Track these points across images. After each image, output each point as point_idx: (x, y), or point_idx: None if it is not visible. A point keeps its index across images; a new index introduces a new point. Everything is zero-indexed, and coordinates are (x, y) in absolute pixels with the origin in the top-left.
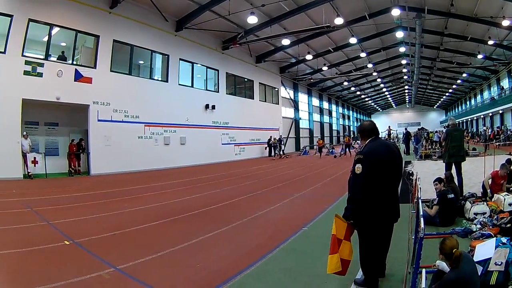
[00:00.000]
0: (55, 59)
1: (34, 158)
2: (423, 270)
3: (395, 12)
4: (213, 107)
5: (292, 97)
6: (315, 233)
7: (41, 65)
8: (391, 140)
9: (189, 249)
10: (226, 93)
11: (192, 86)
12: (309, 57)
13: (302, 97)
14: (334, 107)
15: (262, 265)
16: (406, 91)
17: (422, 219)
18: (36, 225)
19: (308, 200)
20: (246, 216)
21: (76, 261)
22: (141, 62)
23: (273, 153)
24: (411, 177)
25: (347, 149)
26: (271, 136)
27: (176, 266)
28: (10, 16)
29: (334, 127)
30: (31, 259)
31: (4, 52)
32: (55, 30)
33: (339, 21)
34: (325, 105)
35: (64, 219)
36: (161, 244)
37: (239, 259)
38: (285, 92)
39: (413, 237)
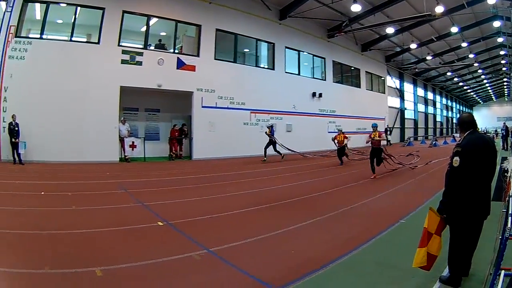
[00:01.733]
0: (153, 48)
1: (133, 142)
2: (502, 272)
3: (491, 0)
4: (320, 95)
5: (398, 87)
6: (412, 226)
7: (140, 54)
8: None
9: (284, 236)
10: (333, 81)
11: (298, 74)
12: (413, 46)
13: (407, 87)
14: (438, 97)
15: (355, 256)
16: (505, 83)
17: (510, 218)
18: (130, 206)
19: (408, 192)
20: (346, 205)
21: (168, 242)
22: (246, 50)
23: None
24: (506, 174)
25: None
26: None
27: (270, 251)
28: (102, 8)
29: (438, 118)
30: (125, 238)
31: (98, 43)
32: (153, 20)
33: (439, 9)
34: (430, 95)
35: (158, 201)
36: (256, 229)
37: (332, 248)
38: (391, 82)
39: (500, 237)
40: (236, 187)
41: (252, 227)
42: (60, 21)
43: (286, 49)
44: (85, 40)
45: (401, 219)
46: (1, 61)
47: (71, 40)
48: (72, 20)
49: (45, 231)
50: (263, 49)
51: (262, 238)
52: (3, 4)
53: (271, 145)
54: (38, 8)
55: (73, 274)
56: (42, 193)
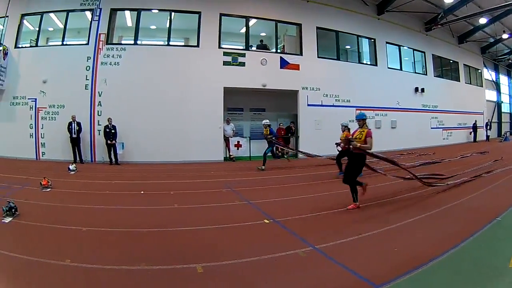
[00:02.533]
0: (255, 48)
1: (238, 142)
2: None
3: None
4: (422, 90)
5: (494, 79)
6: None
7: (243, 55)
8: None
9: (387, 233)
10: (434, 76)
11: (400, 69)
12: (505, 36)
13: (503, 79)
14: None
15: (453, 254)
16: None
17: None
18: (235, 204)
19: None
20: (448, 203)
21: (273, 239)
22: (348, 47)
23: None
24: None
25: None
26: (476, 120)
27: (374, 248)
28: (198, 13)
29: None
30: (229, 235)
31: (198, 46)
32: (252, 21)
33: None
34: None
35: (265, 199)
36: (361, 227)
37: (432, 246)
38: (487, 74)
39: None
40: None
41: (359, 224)
42: (153, 27)
43: (387, 44)
44: (183, 43)
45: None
46: (94, 68)
47: (168, 45)
48: (168, 25)
49: (145, 229)
50: (365, 45)
51: (368, 236)
52: (88, 13)
53: (271, 148)
54: (128, 15)
55: (172, 270)
56: (142, 192)
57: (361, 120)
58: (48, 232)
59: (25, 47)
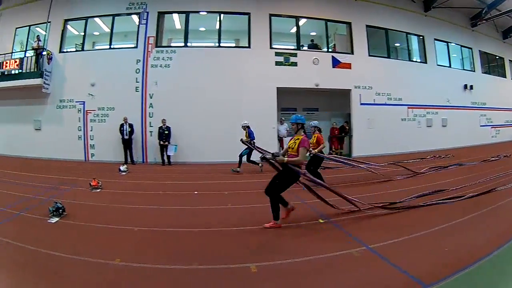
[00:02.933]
0: (306, 48)
1: None
2: None
3: None
4: (471, 87)
5: None
6: None
7: (294, 55)
8: None
9: (440, 232)
10: (482, 72)
11: (449, 66)
12: None
13: None
14: None
15: (502, 253)
16: None
17: None
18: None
19: None
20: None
21: (328, 239)
22: (397, 44)
23: None
24: None
25: None
26: None
27: (426, 248)
28: (247, 14)
29: None
30: (284, 234)
31: (249, 47)
32: (302, 21)
33: None
34: None
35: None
36: (414, 226)
37: (480, 245)
38: None
39: None
40: (400, 184)
41: (413, 224)
42: (202, 29)
43: (435, 41)
44: (233, 45)
45: None
46: (144, 70)
47: (219, 46)
48: (217, 27)
49: (196, 229)
50: (414, 42)
51: (421, 235)
52: (135, 17)
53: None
54: (176, 18)
55: (226, 269)
56: (196, 192)
57: (295, 124)
58: (98, 232)
59: (71, 51)
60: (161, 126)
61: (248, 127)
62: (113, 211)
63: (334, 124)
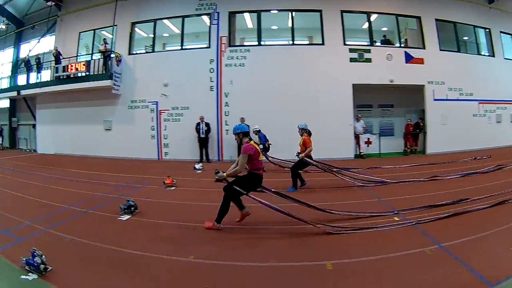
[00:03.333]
0: (379, 44)
1: (368, 139)
2: None
3: None
4: None
5: None
6: None
7: (368, 51)
8: None
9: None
10: None
11: None
12: None
13: None
14: None
15: None
16: None
17: None
18: (366, 202)
19: None
20: None
21: (403, 237)
22: (466, 38)
23: None
24: None
25: None
26: None
27: (496, 247)
28: (319, 11)
29: None
30: (360, 233)
31: (323, 44)
32: (373, 16)
33: None
34: None
35: (395, 196)
36: (486, 225)
37: None
38: None
39: None
40: (473, 181)
41: (486, 222)
42: (275, 27)
43: (501, 33)
44: (307, 42)
45: None
46: (218, 70)
47: (293, 44)
48: (290, 25)
49: (273, 226)
50: (481, 35)
51: (492, 233)
52: (205, 18)
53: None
54: (248, 17)
55: (303, 267)
56: (273, 190)
57: (236, 135)
58: (171, 229)
59: (140, 53)
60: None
61: (259, 131)
62: (186, 208)
63: (409, 120)
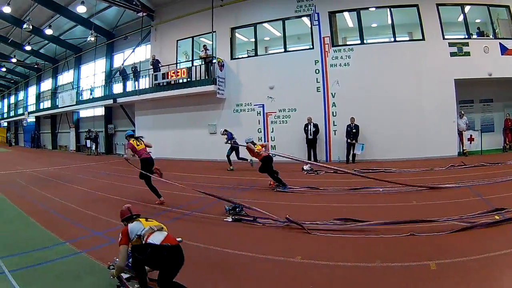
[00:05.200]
0: (475, 36)
1: (471, 135)
2: None
3: None
4: None
5: None
6: None
7: (466, 44)
8: None
9: None
10: None
11: None
12: None
13: None
14: None
15: None
16: None
17: None
18: (469, 200)
19: None
20: None
21: (505, 236)
22: None
23: None
24: None
25: None
26: None
27: None
28: (415, 5)
29: None
30: (463, 232)
31: (423, 39)
32: (467, 8)
33: None
34: None
35: (499, 194)
36: None
37: None
38: None
39: None
40: None
41: None
42: (374, 25)
43: None
44: (407, 38)
45: None
46: (323, 70)
47: (394, 41)
48: (390, 22)
49: (379, 226)
50: None
51: None
52: (305, 19)
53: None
54: (347, 16)
55: (406, 267)
56: (381, 189)
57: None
58: (276, 229)
59: (243, 57)
60: (349, 124)
61: (226, 130)
62: (290, 209)
63: (508, 115)
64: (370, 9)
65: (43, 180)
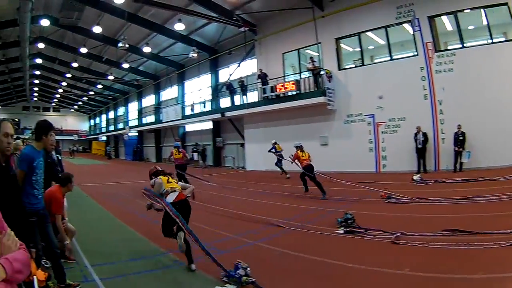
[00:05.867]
0: None
1: None
2: None
3: None
4: None
5: None
6: None
7: None
8: None
9: None
10: None
11: None
12: None
13: None
14: None
15: None
16: None
17: None
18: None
19: None
20: None
21: None
22: None
23: None
24: None
25: None
26: None
27: None
28: (505, 4)
29: None
30: None
31: None
32: None
33: None
34: None
35: None
36: None
37: None
38: None
39: None
40: None
41: None
42: (471, 27)
43: None
44: (503, 39)
45: None
46: (429, 77)
47: (492, 43)
48: (485, 23)
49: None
50: None
51: None
52: (407, 25)
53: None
54: (445, 20)
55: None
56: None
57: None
58: (385, 243)
59: (350, 67)
60: (457, 132)
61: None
62: (398, 220)
63: None
64: (465, 10)
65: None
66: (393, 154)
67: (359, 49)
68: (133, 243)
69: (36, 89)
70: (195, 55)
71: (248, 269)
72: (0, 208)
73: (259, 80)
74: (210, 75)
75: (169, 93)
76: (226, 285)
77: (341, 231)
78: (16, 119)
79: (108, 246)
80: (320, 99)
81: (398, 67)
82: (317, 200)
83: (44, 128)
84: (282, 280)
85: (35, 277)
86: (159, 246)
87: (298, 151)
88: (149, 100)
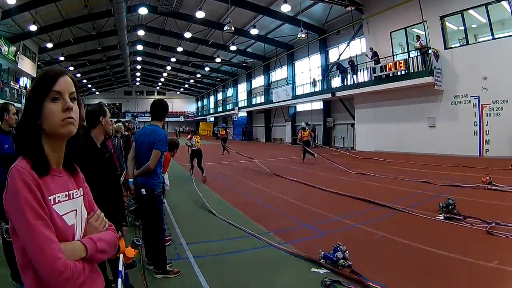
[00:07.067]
0: None
1: None
2: None
3: None
4: None
5: None
6: None
7: None
8: None
9: None
10: None
11: None
12: None
13: None
14: None
15: None
16: None
17: None
18: None
19: None
20: None
21: None
22: None
23: None
24: None
25: None
26: None
27: None
28: None
29: None
30: None
31: None
32: None
33: None
34: None
35: None
36: None
37: None
38: None
39: None
40: None
41: None
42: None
43: None
44: None
45: None
46: None
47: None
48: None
49: None
50: None
51: None
52: (504, 3)
53: None
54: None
55: None
56: None
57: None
58: (482, 231)
59: (455, 47)
60: None
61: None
62: (497, 209)
63: None
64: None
65: (255, 171)
66: (496, 138)
67: (463, 28)
68: (234, 222)
69: (138, 74)
70: (304, 35)
71: (347, 252)
72: (94, 190)
73: (370, 59)
74: (319, 55)
75: (279, 73)
76: (321, 268)
77: (441, 217)
78: (117, 104)
79: (203, 226)
80: (428, 79)
81: (501, 46)
82: (422, 184)
83: (166, 108)
84: (379, 267)
85: (121, 254)
86: (259, 225)
87: (301, 131)
88: (258, 81)
